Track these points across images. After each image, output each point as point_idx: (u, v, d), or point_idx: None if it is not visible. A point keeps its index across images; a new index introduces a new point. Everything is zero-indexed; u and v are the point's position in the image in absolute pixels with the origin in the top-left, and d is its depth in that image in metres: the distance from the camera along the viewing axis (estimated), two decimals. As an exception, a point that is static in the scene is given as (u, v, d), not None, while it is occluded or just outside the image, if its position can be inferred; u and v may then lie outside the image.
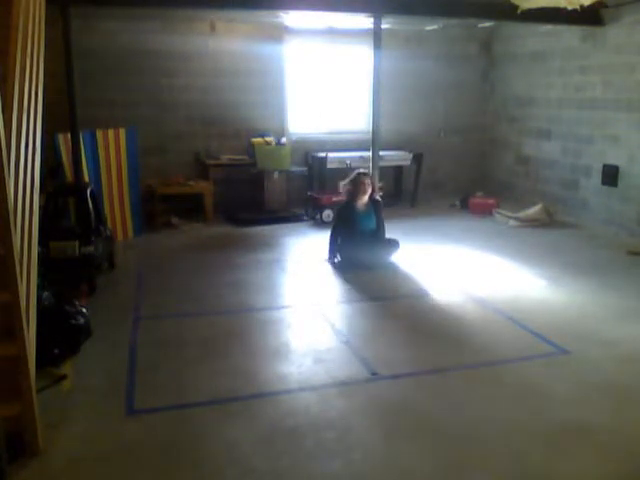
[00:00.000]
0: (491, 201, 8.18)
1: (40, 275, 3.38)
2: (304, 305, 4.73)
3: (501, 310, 4.56)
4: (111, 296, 4.93)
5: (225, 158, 8.00)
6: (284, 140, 7.94)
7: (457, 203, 8.48)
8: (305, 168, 8.28)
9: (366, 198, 5.83)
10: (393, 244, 5.85)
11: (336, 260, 5.75)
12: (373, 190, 5.89)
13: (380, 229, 5.89)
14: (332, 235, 5.85)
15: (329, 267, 5.70)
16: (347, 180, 5.93)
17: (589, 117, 7.41)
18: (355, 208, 5.81)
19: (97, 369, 3.58)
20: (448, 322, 4.37)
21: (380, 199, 6.03)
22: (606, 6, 6.80)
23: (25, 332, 2.66)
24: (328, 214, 7.43)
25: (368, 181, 5.84)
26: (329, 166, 7.87)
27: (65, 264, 4.80)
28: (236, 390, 3.33)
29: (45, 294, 3.79)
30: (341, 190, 5.99)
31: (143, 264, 5.89)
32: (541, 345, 3.93)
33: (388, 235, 5.97)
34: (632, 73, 6.74)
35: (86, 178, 6.08)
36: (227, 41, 7.98)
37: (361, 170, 6.05)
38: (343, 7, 6.30)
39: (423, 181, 8.66)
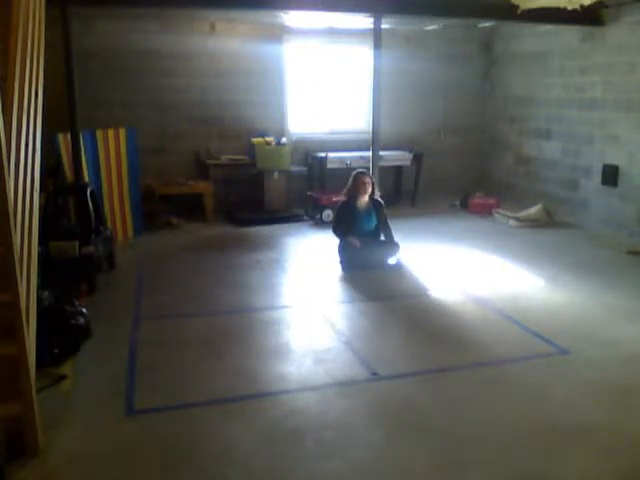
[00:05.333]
0: (491, 201, 8.18)
1: (40, 275, 3.37)
2: (304, 305, 4.73)
3: (501, 310, 4.57)
4: (111, 296, 4.93)
5: (225, 158, 8.00)
6: (284, 140, 7.94)
7: (457, 203, 8.47)
8: (305, 168, 8.28)
9: (366, 198, 5.82)
10: (394, 245, 5.82)
11: (339, 260, 5.74)
12: (373, 190, 5.87)
13: (385, 230, 5.86)
14: (335, 233, 5.85)
15: (329, 267, 5.70)
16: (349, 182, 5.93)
17: (589, 117, 7.41)
18: (355, 207, 5.80)
19: (97, 369, 3.58)
20: (448, 322, 4.37)
21: (381, 200, 5.99)
22: (606, 6, 6.80)
23: (25, 332, 2.66)
24: (328, 214, 7.43)
25: (368, 180, 5.82)
26: (329, 166, 7.87)
27: (65, 264, 4.79)
28: (236, 390, 3.33)
29: (45, 294, 3.79)
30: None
31: (143, 264, 5.89)
32: (541, 345, 3.93)
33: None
34: (632, 73, 6.73)
35: (86, 178, 6.09)
36: (227, 41, 7.98)
37: (360, 169, 6.04)
38: (343, 7, 6.30)
39: (423, 181, 8.66)
